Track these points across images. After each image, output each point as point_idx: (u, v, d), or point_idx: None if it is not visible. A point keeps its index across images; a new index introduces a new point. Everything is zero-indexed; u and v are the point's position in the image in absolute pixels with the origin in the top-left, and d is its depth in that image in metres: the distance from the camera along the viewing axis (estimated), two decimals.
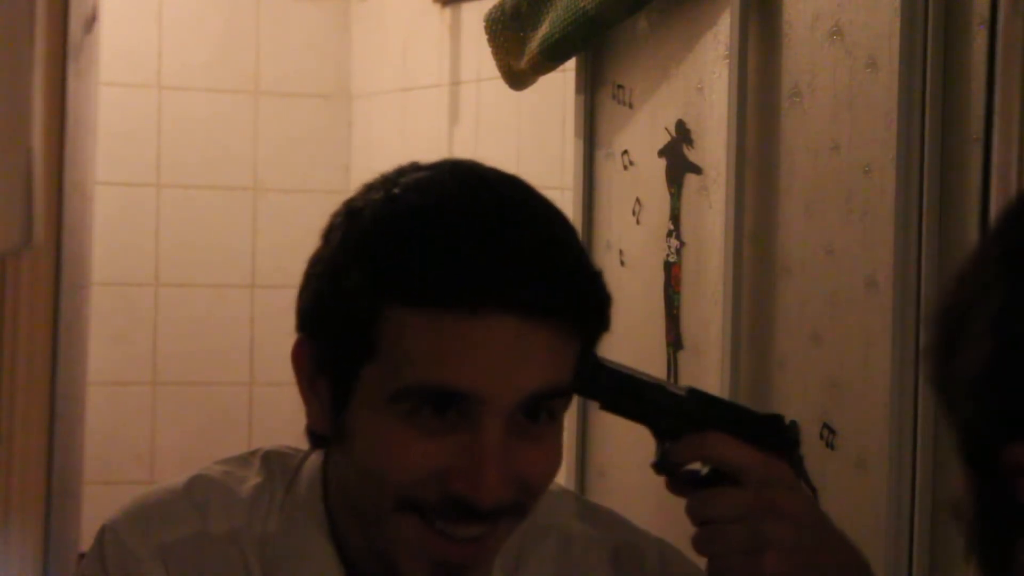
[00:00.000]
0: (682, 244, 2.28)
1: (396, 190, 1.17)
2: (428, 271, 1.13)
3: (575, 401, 2.57)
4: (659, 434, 1.25)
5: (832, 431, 1.98)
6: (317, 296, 1.20)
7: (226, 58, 3.37)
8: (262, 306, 3.25)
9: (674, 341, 2.29)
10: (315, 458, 1.28)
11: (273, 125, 3.36)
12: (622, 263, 2.40)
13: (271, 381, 3.22)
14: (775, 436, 1.27)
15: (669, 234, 2.30)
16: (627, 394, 1.24)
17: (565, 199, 2.53)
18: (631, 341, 2.27)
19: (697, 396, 1.26)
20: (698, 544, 1.22)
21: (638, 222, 2.38)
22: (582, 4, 2.29)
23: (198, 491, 1.26)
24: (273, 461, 1.29)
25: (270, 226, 3.30)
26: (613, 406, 1.25)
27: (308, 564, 1.24)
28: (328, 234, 1.20)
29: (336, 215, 1.20)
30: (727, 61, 2.16)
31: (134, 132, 3.29)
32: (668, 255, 2.31)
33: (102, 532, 1.23)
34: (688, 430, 1.24)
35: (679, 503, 1.50)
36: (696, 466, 1.26)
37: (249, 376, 3.28)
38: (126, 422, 3.27)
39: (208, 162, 3.34)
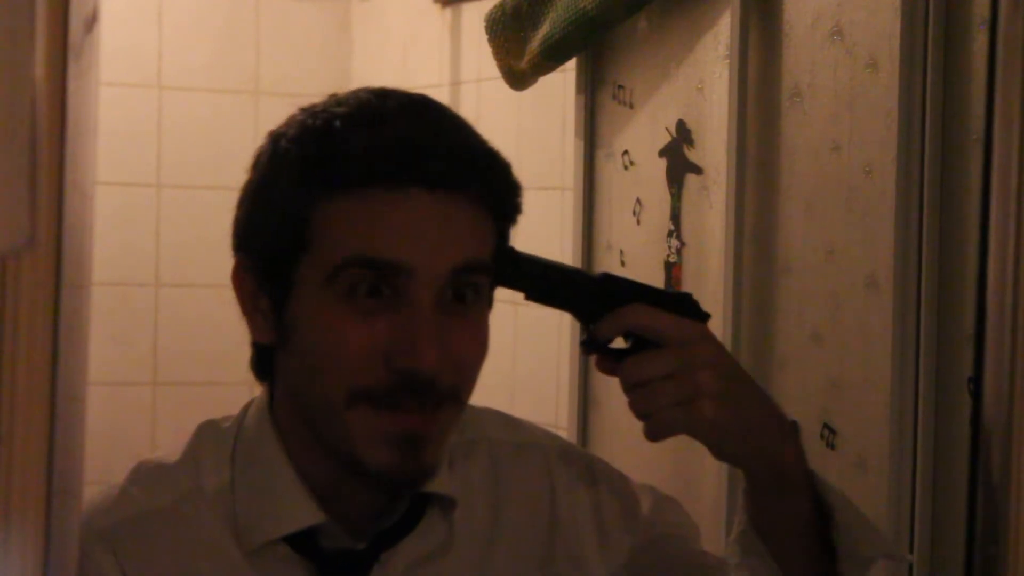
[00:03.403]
0: (682, 244, 2.28)
1: (317, 109, 1.28)
2: (350, 157, 1.23)
3: (574, 402, 2.56)
4: (583, 317, 1.33)
5: (832, 431, 1.98)
6: (250, 212, 1.31)
7: (226, 58, 3.37)
8: None
9: None
10: (259, 399, 1.34)
11: (273, 125, 3.35)
12: (622, 263, 2.41)
13: None
14: (687, 309, 1.34)
15: (669, 234, 2.30)
16: (549, 281, 1.32)
17: (565, 199, 2.53)
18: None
19: (611, 278, 1.34)
20: (634, 407, 1.30)
21: (638, 222, 2.38)
22: (582, 4, 2.29)
23: (135, 476, 1.32)
24: (201, 428, 1.35)
25: None
26: (537, 294, 1.33)
27: (272, 495, 1.29)
28: (255, 163, 1.32)
29: (260, 147, 1.32)
30: (727, 61, 2.16)
31: (134, 132, 3.29)
32: (668, 255, 2.31)
33: None
34: (608, 310, 1.32)
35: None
36: (620, 344, 1.33)
37: (249, 376, 3.27)
38: (126, 422, 3.27)
39: (208, 162, 3.34)
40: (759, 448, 1.30)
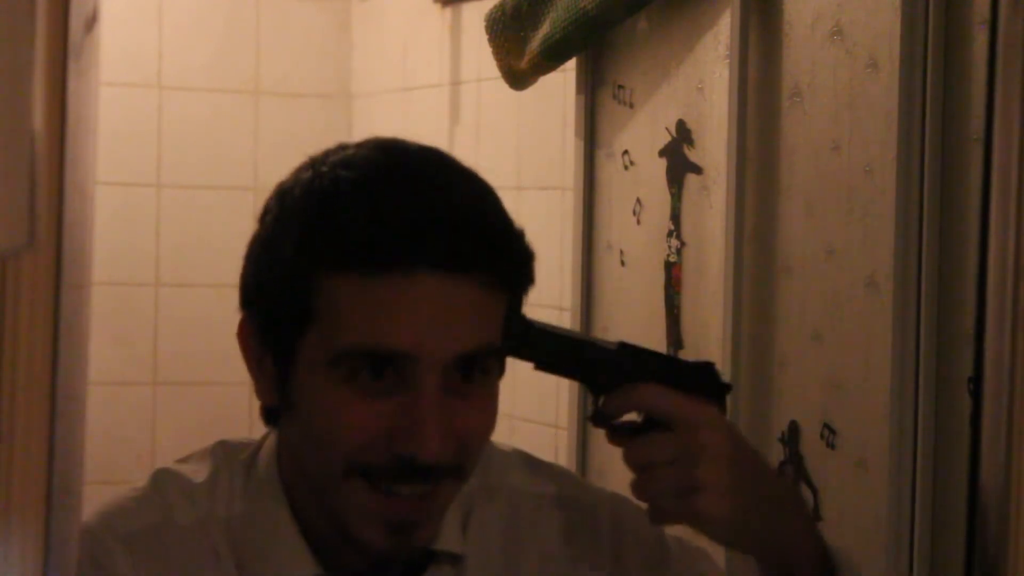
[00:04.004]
0: (683, 244, 2.28)
1: (324, 168, 1.23)
2: (355, 236, 1.18)
3: (574, 402, 2.56)
4: (594, 389, 1.29)
5: (832, 431, 1.98)
6: (256, 273, 1.26)
7: (226, 58, 3.37)
8: None
9: (674, 341, 2.29)
10: (271, 440, 1.32)
11: (273, 125, 3.36)
12: (622, 263, 2.40)
13: None
14: (706, 383, 1.31)
15: (669, 234, 2.30)
16: (560, 352, 1.28)
17: (565, 199, 2.53)
18: (632, 341, 2.27)
19: (628, 350, 1.30)
20: (635, 490, 1.27)
21: (638, 222, 2.38)
22: (582, 4, 2.29)
23: (160, 485, 1.30)
24: (220, 450, 1.33)
25: None
26: (547, 365, 1.28)
27: (273, 541, 1.28)
28: (263, 216, 1.26)
29: (269, 198, 1.26)
30: (727, 61, 2.16)
31: (134, 132, 3.29)
32: (668, 255, 2.31)
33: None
34: (621, 383, 1.28)
35: None
36: (633, 416, 1.29)
37: (249, 376, 3.27)
38: (126, 422, 3.27)
39: (208, 162, 3.34)
40: (765, 537, 1.27)
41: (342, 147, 1.26)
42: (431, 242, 1.18)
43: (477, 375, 1.22)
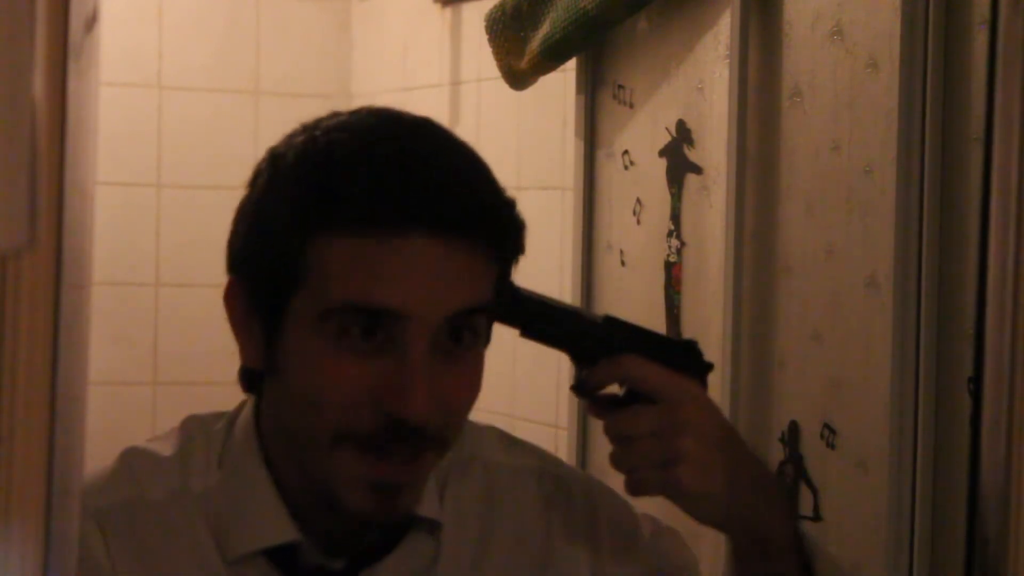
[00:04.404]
0: (683, 244, 2.28)
1: (318, 132, 1.24)
2: (351, 197, 1.19)
3: (574, 402, 2.56)
4: (578, 359, 1.30)
5: (832, 431, 1.98)
6: (246, 236, 1.26)
7: (226, 58, 3.37)
8: None
9: None
10: (248, 408, 1.33)
11: (273, 125, 3.34)
12: (622, 263, 2.40)
13: None
14: (688, 359, 1.32)
15: (670, 234, 2.30)
16: (546, 320, 1.29)
17: (565, 199, 2.53)
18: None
19: (613, 322, 1.31)
20: (615, 461, 1.28)
21: (638, 222, 2.38)
22: (583, 4, 2.29)
23: (128, 462, 1.32)
24: (191, 424, 1.35)
25: None
26: (533, 332, 1.30)
27: (252, 507, 1.28)
28: (254, 179, 1.28)
29: (261, 162, 1.28)
30: (727, 61, 2.16)
31: (134, 132, 3.28)
32: (668, 255, 2.31)
33: None
34: (605, 354, 1.29)
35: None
36: (615, 389, 1.30)
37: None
38: (126, 422, 3.27)
39: (208, 162, 3.34)
40: (741, 516, 1.28)
41: (335, 114, 1.27)
42: (427, 206, 1.18)
43: (466, 336, 1.22)
